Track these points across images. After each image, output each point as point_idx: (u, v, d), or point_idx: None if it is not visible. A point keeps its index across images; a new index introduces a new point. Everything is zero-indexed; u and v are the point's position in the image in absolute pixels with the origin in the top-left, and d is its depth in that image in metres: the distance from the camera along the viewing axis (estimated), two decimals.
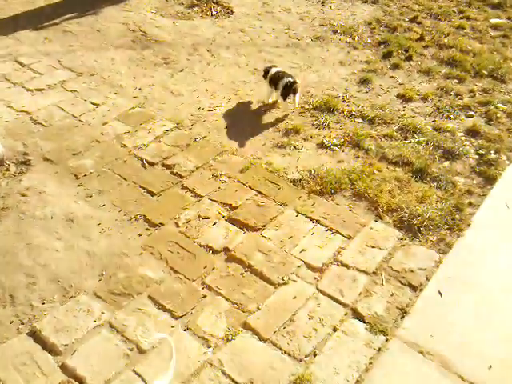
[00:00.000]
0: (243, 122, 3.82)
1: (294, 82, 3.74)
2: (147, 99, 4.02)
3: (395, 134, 3.75)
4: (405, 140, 3.70)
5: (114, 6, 5.54)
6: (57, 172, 3.13)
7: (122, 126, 3.64)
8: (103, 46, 4.73)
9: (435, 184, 3.25)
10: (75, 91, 4.01)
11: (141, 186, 3.09)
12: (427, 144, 3.62)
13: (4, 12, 5.25)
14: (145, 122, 3.70)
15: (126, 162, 3.29)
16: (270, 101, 4.02)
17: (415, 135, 3.74)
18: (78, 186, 3.06)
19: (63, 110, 3.76)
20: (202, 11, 5.69)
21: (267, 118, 3.89)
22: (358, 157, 3.51)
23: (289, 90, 3.73)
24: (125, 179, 3.14)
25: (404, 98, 4.23)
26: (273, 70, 3.90)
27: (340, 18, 5.69)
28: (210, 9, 5.73)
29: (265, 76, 3.96)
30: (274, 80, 3.84)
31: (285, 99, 3.80)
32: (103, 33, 4.94)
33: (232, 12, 5.71)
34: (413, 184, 3.24)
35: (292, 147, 3.57)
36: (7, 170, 3.08)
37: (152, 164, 3.30)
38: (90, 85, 4.11)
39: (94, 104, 3.86)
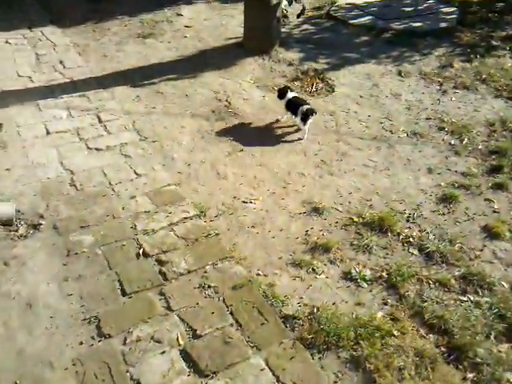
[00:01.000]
0: (271, 223, 3.34)
1: (312, 109, 4.24)
2: (190, 177, 3.82)
3: (452, 282, 2.89)
4: (461, 295, 2.79)
5: (216, 71, 5.57)
6: (54, 244, 3.06)
7: (146, 203, 3.48)
8: (182, 112, 4.72)
9: (473, 376, 2.32)
10: (128, 156, 4.00)
11: (119, 281, 2.83)
12: (489, 310, 2.67)
13: (120, 65, 5.66)
14: (170, 203, 3.48)
15: (123, 248, 3.08)
16: (285, 118, 4.58)
17: (479, 291, 2.81)
18: (63, 264, 2.93)
19: (105, 175, 3.76)
20: (303, 86, 5.39)
21: (300, 225, 3.33)
22: (386, 303, 2.76)
23: (308, 115, 4.20)
24: (110, 268, 2.92)
25: (490, 233, 3.29)
26: (289, 95, 4.41)
27: (456, 112, 4.85)
28: (312, 85, 5.39)
29: (279, 97, 4.49)
30: (290, 106, 4.37)
31: (304, 124, 4.28)
32: (190, 98, 4.95)
33: (333, 91, 5.28)
34: (439, 367, 2.37)
35: (310, 269, 2.96)
36: (16, 230, 3.10)
37: (147, 255, 3.04)
38: (145, 152, 4.07)
39: (136, 174, 3.79)
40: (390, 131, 4.55)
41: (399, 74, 5.63)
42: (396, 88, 5.33)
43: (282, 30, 6.47)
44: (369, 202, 3.60)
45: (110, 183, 3.68)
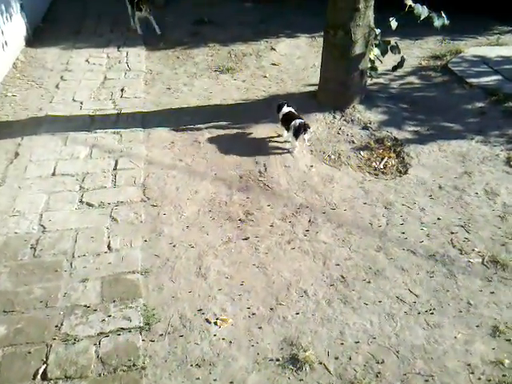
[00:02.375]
0: (224, 366, 2.47)
1: (305, 124, 4.13)
2: (164, 265, 3.09)
3: None
4: None
5: (272, 124, 4.76)
6: None
7: (93, 293, 2.84)
8: (206, 171, 4.04)
9: None
10: (115, 220, 3.44)
11: None
12: None
13: (177, 101, 5.22)
14: (119, 300, 2.81)
15: (26, 357, 2.48)
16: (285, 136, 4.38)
17: None
18: None
19: (75, 241, 3.23)
20: (369, 159, 4.33)
21: (262, 381, 2.38)
22: None
23: (299, 130, 4.09)
24: None
25: None
26: (285, 110, 4.34)
27: None
28: (382, 159, 4.29)
29: (277, 111, 4.42)
30: (284, 120, 4.28)
31: (296, 139, 4.19)
32: (224, 156, 4.23)
33: (405, 172, 4.12)
34: None
35: None
36: None
37: (45, 378, 2.36)
38: (137, 218, 3.47)
39: (108, 247, 3.19)
40: (460, 250, 3.27)
41: (508, 162, 4.20)
42: (495, 183, 3.95)
43: (374, 81, 5.39)
44: (379, 365, 2.47)
45: (72, 255, 3.12)
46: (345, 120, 4.86)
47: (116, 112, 4.96)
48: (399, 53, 5.00)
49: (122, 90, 5.47)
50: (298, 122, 4.10)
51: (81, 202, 3.59)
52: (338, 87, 4.86)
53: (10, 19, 6.03)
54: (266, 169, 4.09)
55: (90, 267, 3.01)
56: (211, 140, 4.49)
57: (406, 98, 5.31)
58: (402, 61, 5.06)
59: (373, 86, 5.51)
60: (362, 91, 5.03)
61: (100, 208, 3.54)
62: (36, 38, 6.85)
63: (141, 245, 3.21)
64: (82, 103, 5.12)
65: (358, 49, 4.62)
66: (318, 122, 4.80)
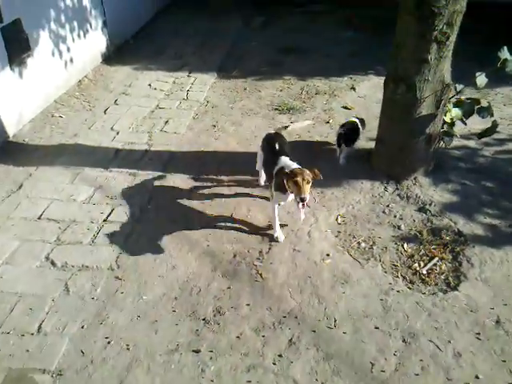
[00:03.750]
0: None
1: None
2: (83, 371, 2.51)
3: None
4: None
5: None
6: None
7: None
8: (197, 240, 3.40)
9: None
10: (67, 291, 2.96)
11: None
12: None
13: (216, 143, 4.73)
14: None
15: None
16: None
17: None
18: None
19: (11, 310, 2.81)
20: (412, 256, 3.34)
21: None
22: None
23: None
24: None
25: None
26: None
27: None
28: (430, 259, 3.26)
29: None
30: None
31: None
32: (226, 225, 3.54)
33: (455, 287, 3.04)
34: None
35: None
36: None
37: None
38: (93, 292, 2.97)
39: (38, 329, 2.71)
40: None
41: None
42: None
43: (458, 143, 4.27)
44: None
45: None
46: (398, 195, 3.82)
47: (145, 148, 4.55)
48: (491, 116, 3.81)
49: (166, 122, 5.08)
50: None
51: (46, 258, 3.19)
52: (396, 152, 3.85)
53: (84, 36, 6.01)
54: (269, 249, 3.30)
55: (4, 352, 2.55)
56: (225, 197, 3.82)
57: (497, 174, 4.06)
58: (494, 126, 3.87)
59: (454, 151, 4.34)
60: (428, 160, 3.94)
61: (61, 270, 3.10)
62: (117, 55, 6.84)
63: (74, 332, 2.68)
64: (118, 133, 4.83)
65: (425, 108, 3.58)
66: (362, 193, 3.84)
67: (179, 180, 4.08)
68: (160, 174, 4.16)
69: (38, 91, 5.11)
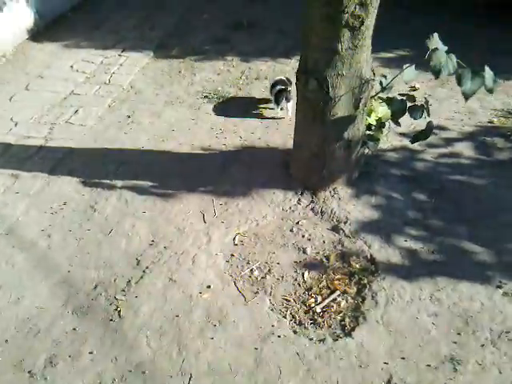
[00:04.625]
0: None
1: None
2: None
3: None
4: None
5: (208, 195, 3.41)
6: None
7: None
8: (58, 266, 2.83)
9: None
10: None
11: None
12: None
13: (125, 139, 4.06)
14: None
15: None
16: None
17: None
18: None
19: None
20: (310, 289, 2.84)
21: None
22: None
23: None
24: None
25: None
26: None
27: None
28: (329, 293, 2.76)
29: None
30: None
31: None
32: (101, 245, 2.98)
33: (349, 332, 2.54)
34: None
35: None
36: None
37: None
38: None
39: None
40: None
41: None
42: None
43: (397, 143, 3.70)
44: None
45: None
46: (312, 209, 3.26)
47: (40, 144, 3.96)
48: (428, 115, 3.22)
49: (76, 111, 4.47)
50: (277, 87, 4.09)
51: None
52: (312, 159, 3.26)
53: (1, 10, 5.32)
54: (141, 277, 2.76)
55: None
56: (111, 207, 3.26)
57: (433, 183, 3.49)
58: (429, 129, 3.28)
59: (390, 154, 3.76)
60: (350, 168, 3.37)
61: None
62: (50, 30, 6.16)
63: None
64: (16, 125, 4.25)
65: (340, 109, 2.98)
66: (272, 206, 3.29)
67: (66, 185, 3.51)
68: (45, 175, 3.58)
69: None
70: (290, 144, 3.79)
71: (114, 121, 4.34)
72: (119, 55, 5.65)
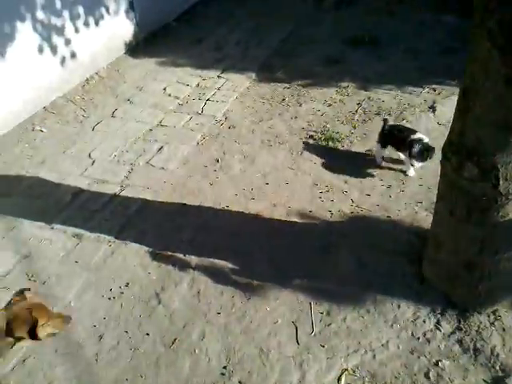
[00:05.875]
0: None
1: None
2: None
3: None
4: None
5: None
6: None
7: None
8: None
9: None
10: None
11: None
12: None
13: (210, 192, 3.37)
14: None
15: None
16: None
17: None
18: None
19: None
20: None
21: None
22: None
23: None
24: None
25: None
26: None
27: None
28: None
29: None
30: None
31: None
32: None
33: None
34: None
35: None
36: None
37: None
38: None
39: None
40: None
41: None
42: None
43: None
44: None
45: None
46: (460, 342, 2.22)
47: (114, 192, 3.36)
48: None
49: (159, 148, 3.83)
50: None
51: None
52: (461, 268, 2.18)
53: (96, 24, 4.89)
54: None
55: None
56: (186, 300, 2.53)
57: None
58: None
59: None
60: None
61: None
62: (150, 42, 5.67)
63: None
64: (93, 163, 3.71)
65: None
66: (395, 327, 2.28)
67: (132, 256, 2.83)
68: (111, 239, 2.93)
69: (17, 94, 4.09)
70: (420, 219, 2.73)
71: (200, 165, 3.60)
72: (218, 76, 4.94)
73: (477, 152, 1.82)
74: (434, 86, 4.42)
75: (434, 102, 4.18)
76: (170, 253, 2.84)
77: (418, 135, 3.10)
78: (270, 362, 2.19)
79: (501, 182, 1.81)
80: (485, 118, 1.72)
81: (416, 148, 2.98)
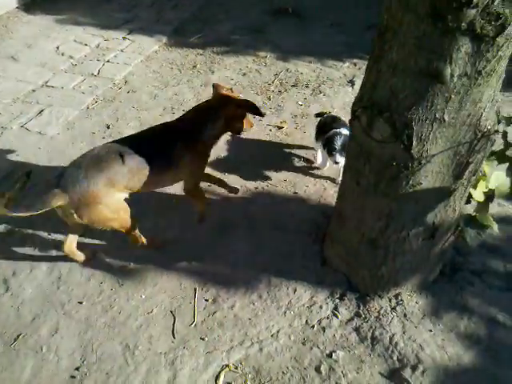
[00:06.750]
0: None
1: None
2: None
3: None
4: None
5: None
6: None
7: None
8: None
9: None
10: None
11: None
12: None
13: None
14: None
15: None
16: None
17: None
18: None
19: None
20: None
21: None
22: None
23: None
24: None
25: None
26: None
27: None
28: None
29: None
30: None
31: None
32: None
33: None
34: None
35: None
36: None
37: None
38: None
39: None
40: None
41: None
42: None
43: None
44: None
45: None
46: (357, 330, 1.93)
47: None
48: None
49: (40, 111, 3.23)
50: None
51: None
52: (364, 246, 1.89)
53: None
54: None
55: None
56: (40, 289, 2.01)
57: None
58: None
59: (492, 235, 2.34)
60: (431, 265, 1.97)
61: None
62: None
63: None
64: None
65: (428, 177, 1.58)
66: (288, 315, 1.97)
67: None
68: None
69: None
70: (328, 196, 2.44)
71: (87, 131, 3.08)
72: (124, 38, 4.38)
73: (390, 107, 1.51)
74: (355, 60, 4.19)
75: (354, 77, 3.94)
76: (30, 231, 2.32)
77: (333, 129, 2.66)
78: (135, 361, 1.79)
79: (414, 143, 1.52)
80: (402, 63, 1.41)
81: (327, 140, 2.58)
